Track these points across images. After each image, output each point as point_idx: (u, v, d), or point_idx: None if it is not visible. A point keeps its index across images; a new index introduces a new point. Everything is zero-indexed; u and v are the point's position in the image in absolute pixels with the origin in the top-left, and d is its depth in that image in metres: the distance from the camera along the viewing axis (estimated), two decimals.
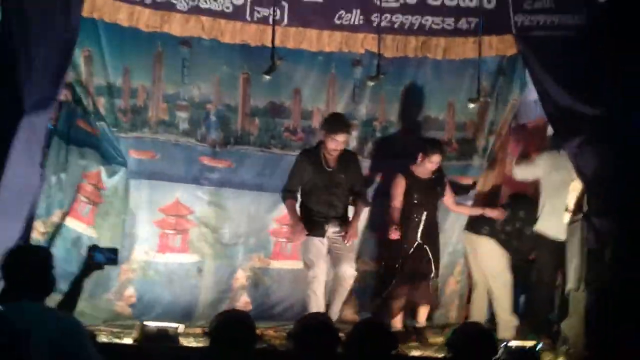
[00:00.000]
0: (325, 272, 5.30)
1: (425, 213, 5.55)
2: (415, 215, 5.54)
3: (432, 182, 5.63)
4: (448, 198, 5.81)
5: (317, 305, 5.20)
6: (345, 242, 5.33)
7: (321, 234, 5.31)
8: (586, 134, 5.04)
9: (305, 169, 5.35)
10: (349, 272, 5.31)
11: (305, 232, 5.24)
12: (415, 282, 5.51)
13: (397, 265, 5.49)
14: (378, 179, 5.99)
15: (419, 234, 5.52)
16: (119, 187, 5.46)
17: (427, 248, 5.54)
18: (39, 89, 4.24)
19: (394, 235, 5.45)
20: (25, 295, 2.85)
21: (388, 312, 5.50)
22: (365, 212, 5.71)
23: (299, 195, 5.41)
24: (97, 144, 5.43)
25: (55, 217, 5.30)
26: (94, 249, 3.31)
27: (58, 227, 5.27)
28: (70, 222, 5.33)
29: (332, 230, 5.36)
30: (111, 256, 3.30)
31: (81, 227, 5.35)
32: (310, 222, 5.31)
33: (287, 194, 5.39)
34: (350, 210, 5.52)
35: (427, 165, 5.54)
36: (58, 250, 5.06)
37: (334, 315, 5.20)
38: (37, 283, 2.89)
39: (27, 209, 4.24)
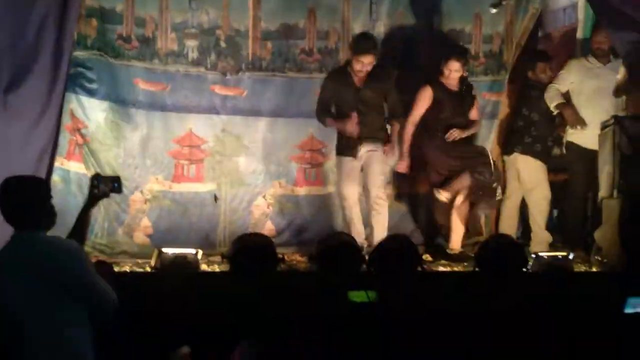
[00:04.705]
0: (356, 194, 5.25)
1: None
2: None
3: (462, 95, 5.36)
4: (475, 113, 5.52)
5: (356, 231, 5.12)
6: (384, 154, 5.29)
7: (352, 153, 5.22)
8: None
9: (333, 90, 5.25)
10: (375, 193, 5.23)
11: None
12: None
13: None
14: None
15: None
16: (102, 123, 5.29)
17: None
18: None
19: (402, 167, 5.37)
20: (24, 226, 2.78)
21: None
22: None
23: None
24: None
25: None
26: (96, 178, 3.22)
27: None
28: (70, 165, 5.27)
29: (365, 149, 5.26)
30: (114, 184, 3.21)
31: (78, 167, 5.28)
32: (342, 141, 5.25)
33: (323, 116, 5.30)
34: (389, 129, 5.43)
35: (446, 74, 5.27)
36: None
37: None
38: (30, 213, 2.81)
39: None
